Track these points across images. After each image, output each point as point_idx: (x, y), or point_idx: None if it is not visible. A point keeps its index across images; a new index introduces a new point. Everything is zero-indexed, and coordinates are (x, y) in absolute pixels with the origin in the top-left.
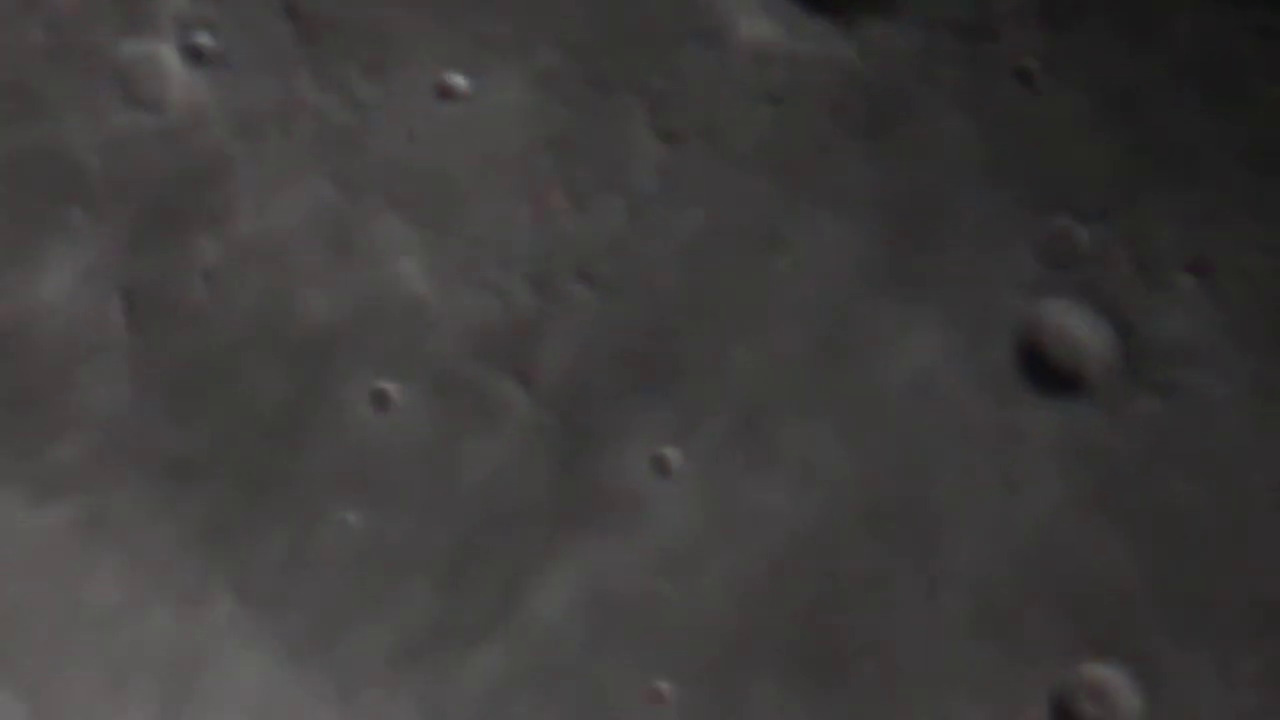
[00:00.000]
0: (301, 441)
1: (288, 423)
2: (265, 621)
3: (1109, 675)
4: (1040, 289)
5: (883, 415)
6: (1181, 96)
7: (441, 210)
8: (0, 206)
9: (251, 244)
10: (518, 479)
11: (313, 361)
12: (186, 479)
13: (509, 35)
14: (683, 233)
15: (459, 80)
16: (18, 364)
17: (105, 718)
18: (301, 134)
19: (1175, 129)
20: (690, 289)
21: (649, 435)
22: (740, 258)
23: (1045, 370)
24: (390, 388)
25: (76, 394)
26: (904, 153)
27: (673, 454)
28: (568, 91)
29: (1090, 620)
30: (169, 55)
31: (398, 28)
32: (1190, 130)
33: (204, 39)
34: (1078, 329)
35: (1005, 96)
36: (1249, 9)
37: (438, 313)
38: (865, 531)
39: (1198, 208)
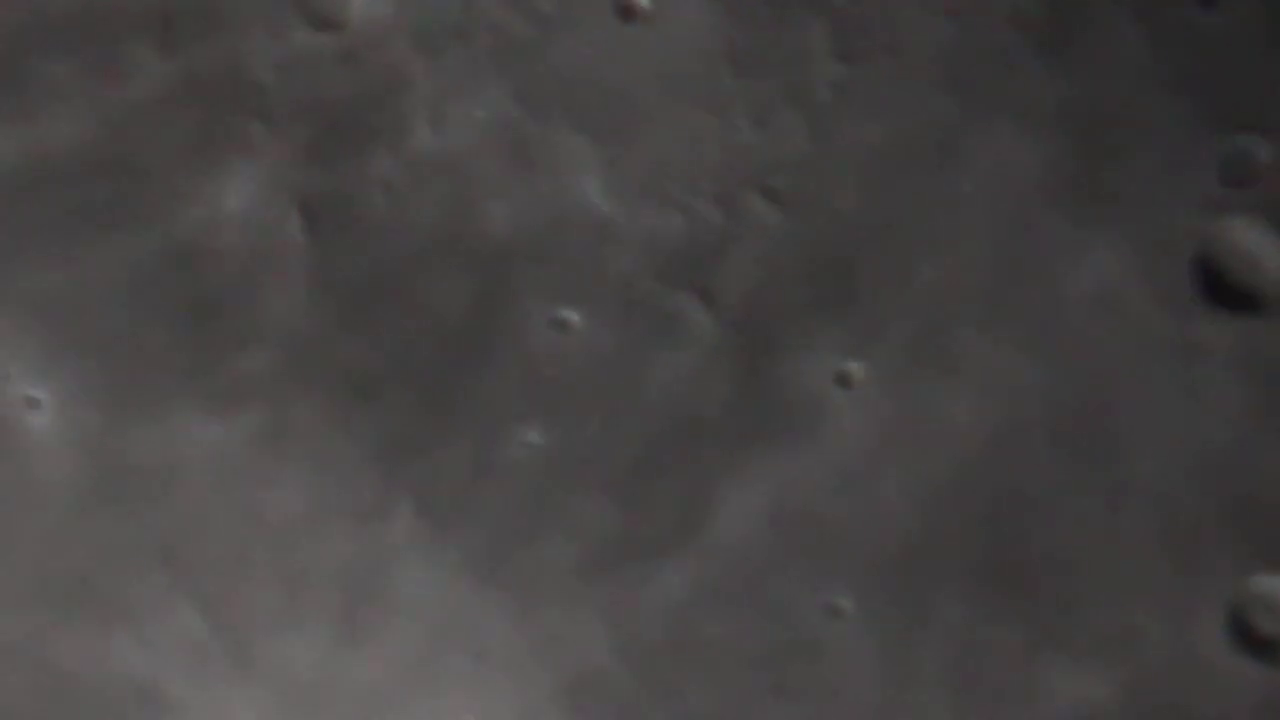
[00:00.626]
0: (482, 356)
1: (468, 337)
2: (446, 536)
3: None
4: (1220, 206)
5: (1063, 329)
6: None
7: (622, 127)
8: (184, 122)
9: (430, 158)
10: (700, 395)
11: (494, 276)
12: (367, 393)
13: None
14: (863, 148)
15: None
16: (200, 276)
17: (284, 630)
18: (481, 48)
19: None
20: (871, 204)
21: (831, 350)
22: (921, 173)
23: (1224, 287)
24: (572, 305)
25: (257, 307)
26: (1084, 67)
27: (854, 368)
28: (747, 9)
29: (1269, 533)
30: None
31: None
32: None
33: None
34: (1257, 246)
35: (1185, 10)
36: None
37: (619, 230)
38: (1047, 444)
39: None
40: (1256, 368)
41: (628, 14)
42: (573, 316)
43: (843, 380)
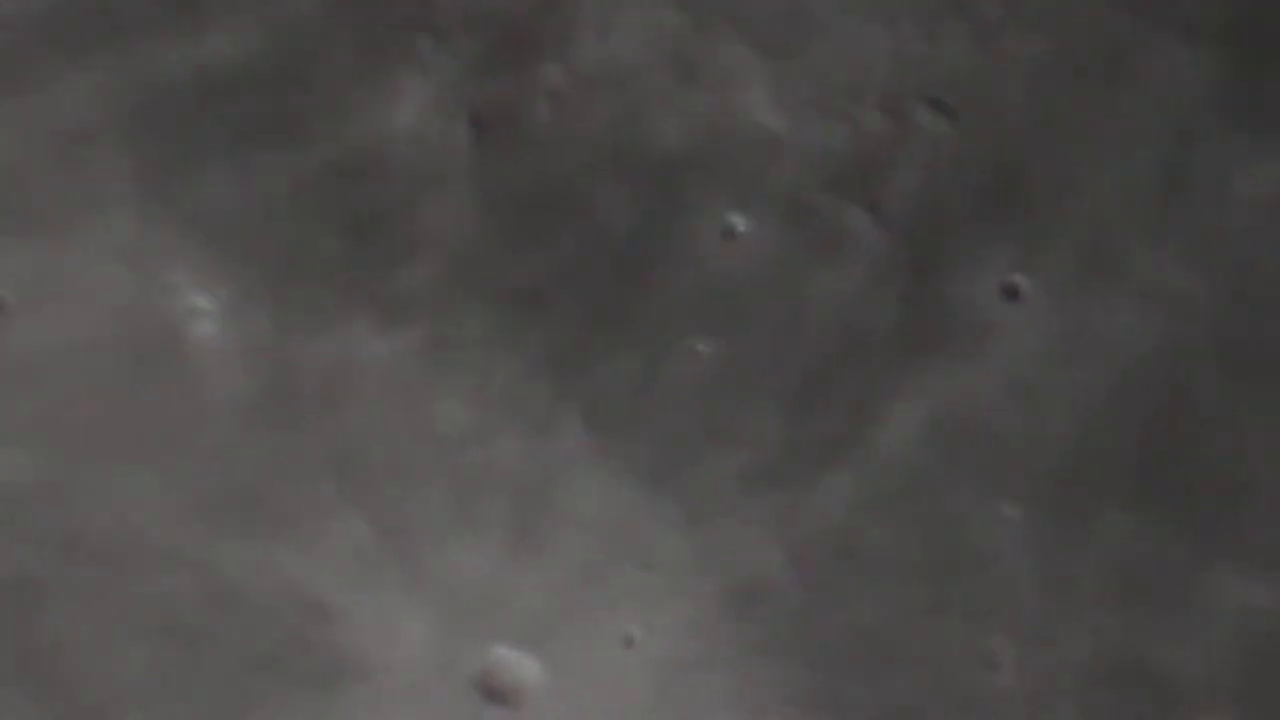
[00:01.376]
0: (650, 268)
1: (636, 249)
2: (614, 448)
3: None
4: None
5: (1230, 240)
6: None
7: (790, 39)
8: (353, 36)
9: (597, 70)
10: (866, 306)
11: (661, 189)
12: (534, 305)
13: None
14: (1031, 61)
15: None
16: (368, 188)
17: (454, 541)
18: None
19: None
20: (1038, 117)
21: (997, 262)
22: (1088, 86)
23: None
24: (739, 217)
25: (424, 219)
26: None
27: (1021, 280)
28: None
29: None
30: None
31: None
32: None
33: None
34: None
35: None
36: None
37: (786, 142)
38: (1213, 355)
39: None
40: None
41: None
42: (740, 227)
43: (1008, 292)
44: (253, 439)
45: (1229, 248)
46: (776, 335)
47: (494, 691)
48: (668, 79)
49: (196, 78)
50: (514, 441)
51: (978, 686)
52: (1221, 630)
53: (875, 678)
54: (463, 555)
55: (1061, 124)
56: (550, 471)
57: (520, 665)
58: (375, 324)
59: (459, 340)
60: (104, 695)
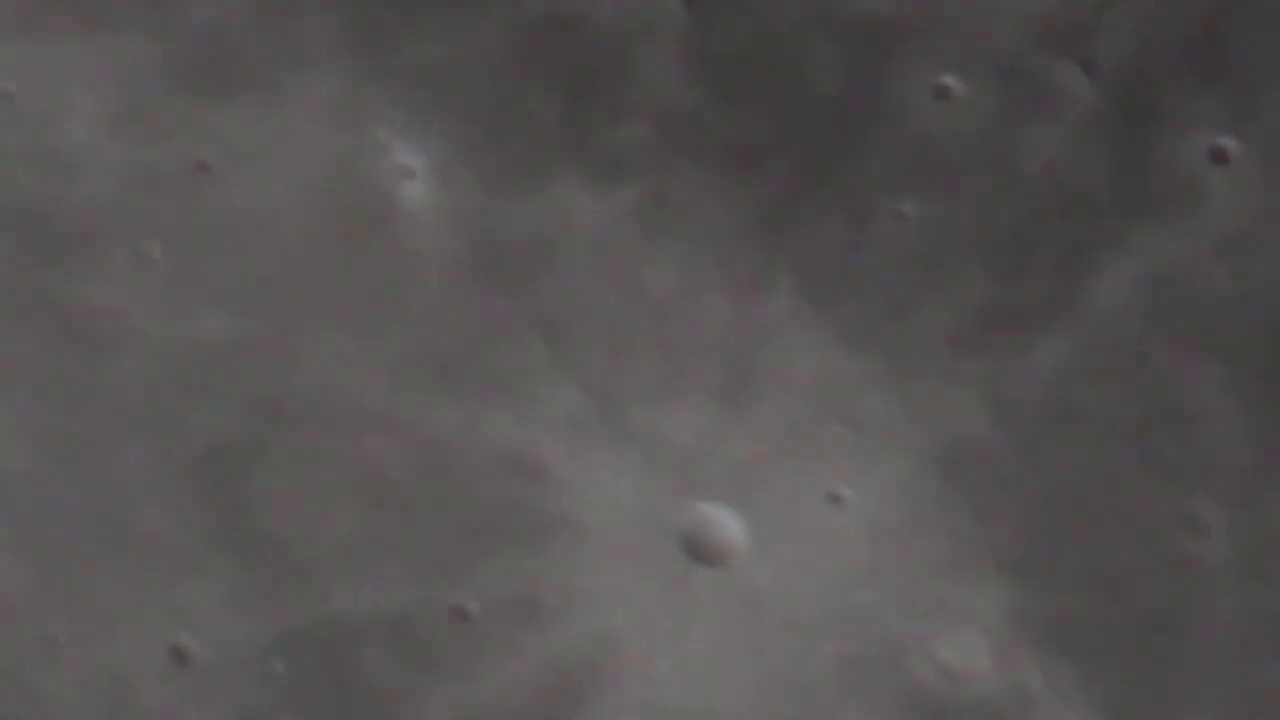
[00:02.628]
0: (861, 128)
1: (847, 108)
2: (824, 308)
3: None
4: None
5: None
6: None
7: None
8: None
9: None
10: (1077, 167)
11: (872, 48)
12: (745, 165)
13: None
14: None
15: None
16: (578, 47)
17: (663, 401)
18: None
19: None
20: None
21: (1207, 124)
22: None
23: None
24: (950, 77)
25: (635, 78)
26: None
27: (1230, 143)
28: None
29: None
30: None
31: None
32: None
33: None
34: None
35: None
36: None
37: (998, 1)
38: None
39: None
40: None
41: None
42: (952, 86)
43: (1217, 155)
44: (462, 301)
45: None
46: (986, 196)
47: (701, 550)
48: None
49: None
50: (723, 302)
51: (1185, 551)
52: None
53: (1082, 541)
54: (672, 415)
55: None
56: (759, 332)
57: (727, 525)
58: (586, 184)
59: (670, 201)
60: (313, 557)
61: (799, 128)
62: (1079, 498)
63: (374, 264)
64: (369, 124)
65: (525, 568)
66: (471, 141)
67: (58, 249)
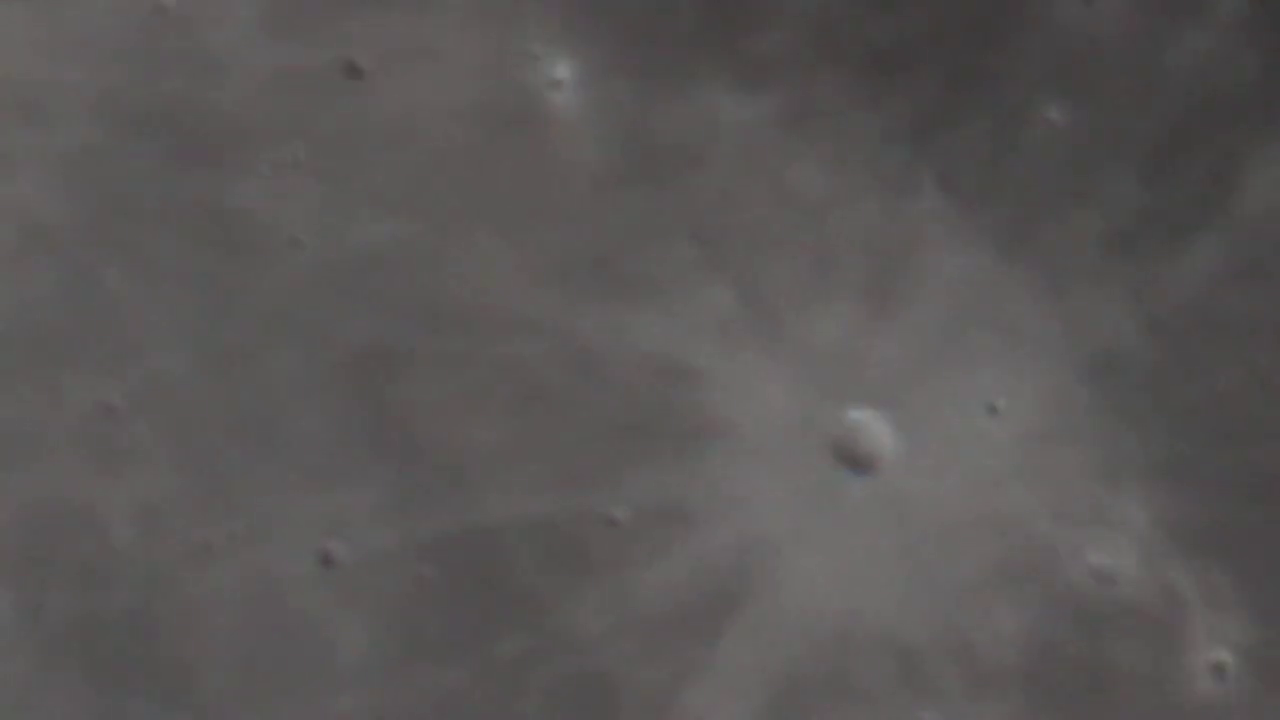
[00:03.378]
0: (1008, 32)
1: (995, 12)
2: (971, 213)
3: None
4: None
5: None
6: None
7: None
8: None
9: None
10: (1226, 70)
11: None
12: (891, 70)
13: None
14: None
15: None
16: None
17: (812, 303)
18: None
19: None
20: None
21: None
22: None
23: None
24: None
25: None
26: None
27: None
28: None
29: None
30: None
31: None
32: None
33: None
34: None
35: None
36: None
37: None
38: None
39: None
40: None
41: None
42: None
43: None
44: (612, 205)
45: None
46: (1134, 100)
47: (851, 455)
48: None
49: None
50: (872, 205)
51: None
52: None
53: (1235, 446)
54: (821, 319)
55: None
56: (908, 235)
57: (877, 430)
58: (733, 89)
59: (817, 104)
60: (463, 460)
61: (946, 32)
62: (1229, 403)
63: (523, 168)
64: (519, 30)
65: (675, 472)
66: (620, 48)
67: (210, 153)
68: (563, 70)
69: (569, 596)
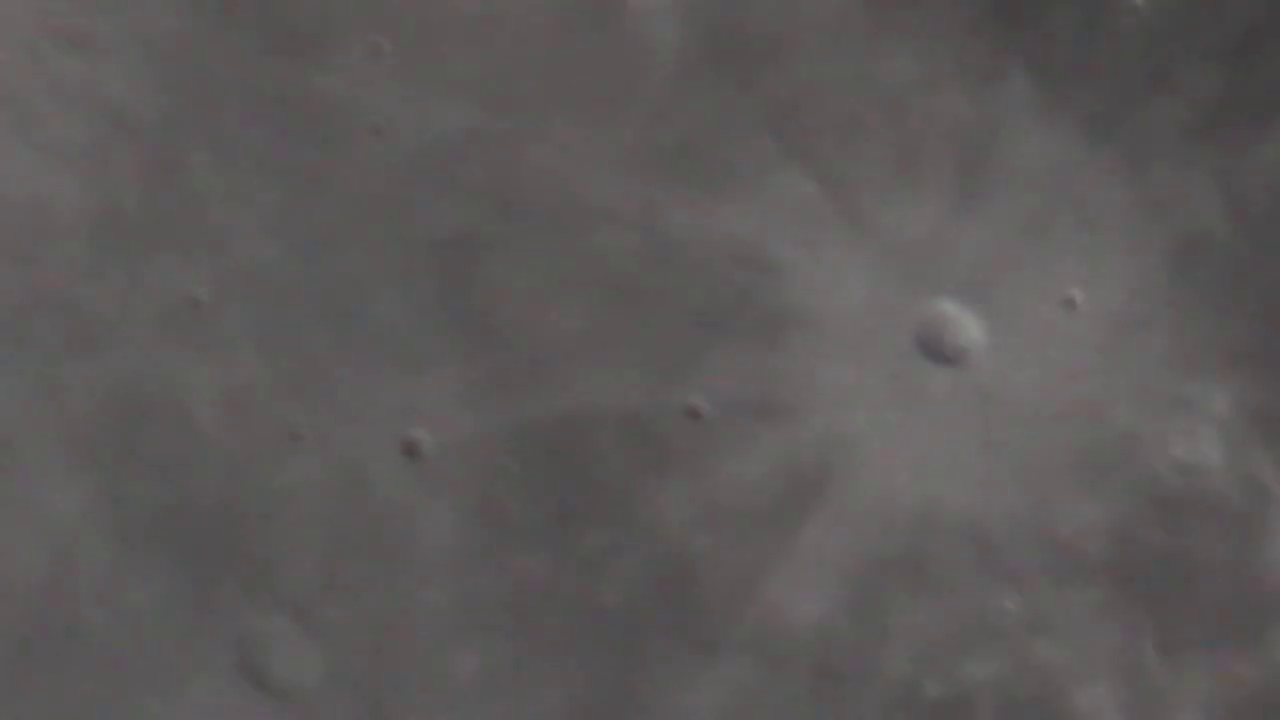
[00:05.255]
0: None
1: None
2: (1058, 98)
3: None
4: None
5: None
6: None
7: None
8: None
9: None
10: None
11: None
12: None
13: None
14: None
15: None
16: None
17: (896, 193)
18: None
19: None
20: None
21: None
22: None
23: None
24: None
25: None
26: None
27: None
28: None
29: None
30: None
31: None
32: None
33: None
34: None
35: None
36: None
37: None
38: None
39: None
40: None
41: None
42: None
43: None
44: (692, 93)
45: None
46: None
47: (935, 344)
48: None
49: None
50: (958, 93)
51: None
52: None
53: None
54: (905, 208)
55: None
56: (993, 122)
57: (961, 321)
58: None
59: None
60: (542, 349)
61: None
62: None
63: (605, 56)
64: None
65: (757, 363)
66: None
67: (295, 42)
68: None
69: (651, 486)
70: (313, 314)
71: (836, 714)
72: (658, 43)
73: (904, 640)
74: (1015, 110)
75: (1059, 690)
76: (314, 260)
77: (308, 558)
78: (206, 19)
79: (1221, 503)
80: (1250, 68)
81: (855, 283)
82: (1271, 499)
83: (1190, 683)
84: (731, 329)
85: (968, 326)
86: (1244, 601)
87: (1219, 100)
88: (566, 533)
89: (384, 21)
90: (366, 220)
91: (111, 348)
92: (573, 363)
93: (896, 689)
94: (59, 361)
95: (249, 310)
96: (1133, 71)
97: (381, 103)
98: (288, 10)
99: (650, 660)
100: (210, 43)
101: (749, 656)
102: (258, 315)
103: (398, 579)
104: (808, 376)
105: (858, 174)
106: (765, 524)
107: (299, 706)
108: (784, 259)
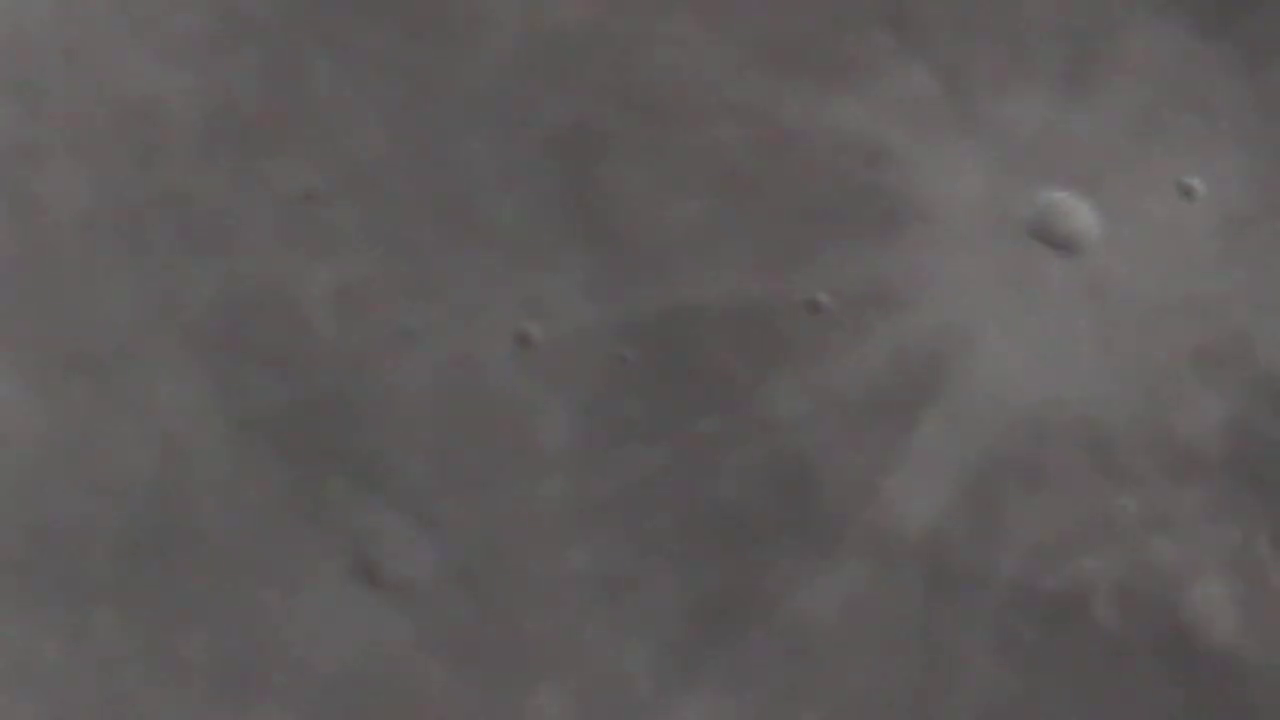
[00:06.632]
0: None
1: None
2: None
3: None
4: None
5: None
6: None
7: None
8: None
9: None
10: None
11: None
12: None
13: None
14: None
15: None
16: None
17: (1010, 86)
18: None
19: None
20: None
21: None
22: None
23: None
24: None
25: None
26: None
27: None
28: None
29: None
30: None
31: None
32: None
33: None
34: None
35: None
36: None
37: None
38: None
39: None
40: None
41: None
42: None
43: None
44: None
45: None
46: None
47: (1050, 236)
48: None
49: None
50: None
51: None
52: None
53: None
54: (1019, 101)
55: None
56: (1107, 16)
57: (1077, 212)
58: None
59: None
60: (661, 243)
61: None
62: None
63: None
64: None
65: (873, 255)
66: None
67: None
68: None
69: (767, 379)
70: (428, 211)
71: (952, 615)
72: None
73: (1019, 540)
74: (1129, 3)
75: (1176, 586)
76: (430, 158)
77: (422, 454)
78: None
79: None
80: None
81: (970, 175)
82: None
83: None
84: (847, 222)
85: (1082, 216)
86: None
87: None
88: (682, 426)
89: None
90: (483, 117)
91: (227, 247)
92: (689, 257)
93: (1010, 590)
94: (175, 260)
95: (364, 208)
96: None
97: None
98: None
99: (765, 559)
100: None
101: (863, 558)
102: (373, 213)
103: (511, 474)
104: (924, 268)
105: (972, 68)
106: (881, 419)
107: (412, 602)
108: (899, 152)
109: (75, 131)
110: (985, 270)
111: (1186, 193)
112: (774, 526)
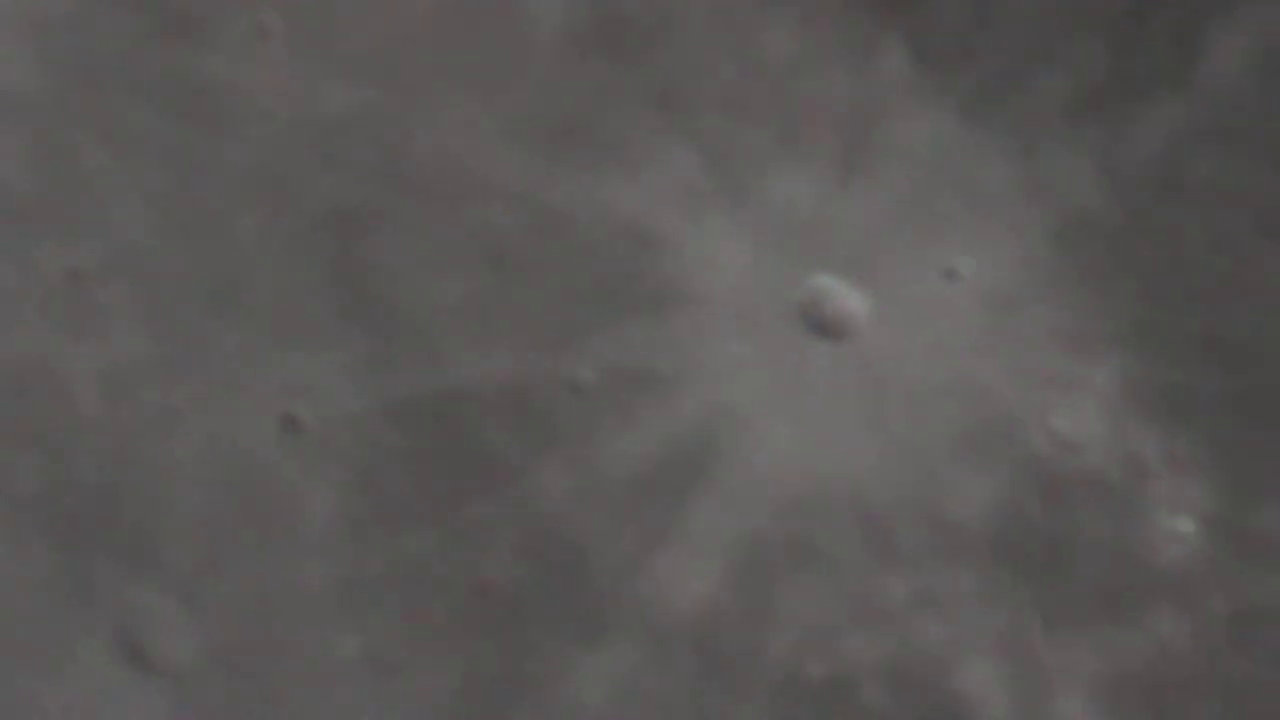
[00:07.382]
0: None
1: None
2: (938, 78)
3: None
4: None
5: None
6: None
7: None
8: None
9: None
10: None
11: None
12: None
13: None
14: None
15: None
16: None
17: (779, 170)
18: None
19: None
20: None
21: None
22: None
23: None
24: None
25: None
26: None
27: None
28: None
29: None
30: None
31: None
32: None
33: None
34: None
35: None
36: None
37: None
38: None
39: None
40: None
41: None
42: None
43: None
44: (579, 70)
45: None
46: None
47: (818, 321)
48: None
49: None
50: (840, 72)
51: None
52: None
53: (1200, 310)
54: (788, 184)
55: None
56: (876, 101)
57: (844, 295)
58: None
59: None
60: (428, 326)
61: None
62: (1194, 267)
63: (492, 33)
64: None
65: (642, 337)
66: None
67: (180, 22)
68: None
69: (537, 460)
70: (195, 292)
71: (723, 696)
72: (544, 19)
73: (790, 620)
74: (898, 88)
75: (944, 669)
76: (198, 239)
77: (188, 535)
78: (94, 0)
79: (1103, 479)
80: (1133, 46)
81: (739, 257)
82: (1152, 475)
83: (1073, 660)
84: (616, 303)
85: (850, 300)
86: (1125, 579)
87: (1102, 78)
88: (450, 508)
89: (272, 0)
90: (251, 199)
91: None
92: (456, 337)
93: (781, 670)
94: None
95: (131, 289)
96: (1016, 49)
97: (269, 82)
98: None
99: (535, 641)
100: (97, 24)
101: (633, 639)
102: (140, 294)
103: (279, 556)
104: (691, 350)
105: (742, 150)
106: (651, 499)
107: (179, 685)
108: (668, 233)
109: None
110: (755, 352)
111: (954, 275)
112: (544, 608)
